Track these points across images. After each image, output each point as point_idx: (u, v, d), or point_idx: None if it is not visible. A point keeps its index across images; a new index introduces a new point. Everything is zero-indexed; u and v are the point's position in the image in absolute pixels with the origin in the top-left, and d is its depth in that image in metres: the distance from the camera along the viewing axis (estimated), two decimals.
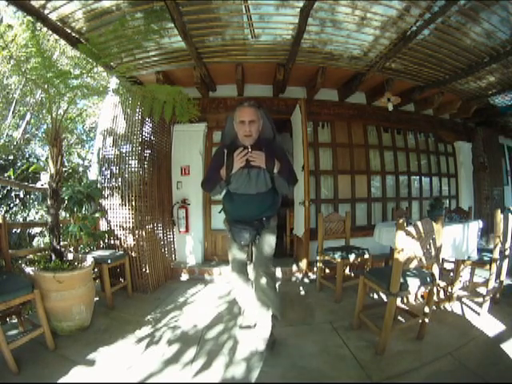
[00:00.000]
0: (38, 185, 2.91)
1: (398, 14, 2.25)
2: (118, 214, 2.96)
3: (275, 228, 1.83)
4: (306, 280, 3.15)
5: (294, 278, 3.24)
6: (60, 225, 2.19)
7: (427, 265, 1.84)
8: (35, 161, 4.99)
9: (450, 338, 1.82)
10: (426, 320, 1.81)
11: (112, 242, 2.98)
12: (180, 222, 3.55)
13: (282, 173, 1.62)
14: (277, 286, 1.79)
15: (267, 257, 1.76)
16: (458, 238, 2.31)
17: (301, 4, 2.11)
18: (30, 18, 2.05)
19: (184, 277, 3.37)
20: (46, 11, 2.12)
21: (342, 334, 1.94)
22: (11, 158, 4.52)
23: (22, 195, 4.17)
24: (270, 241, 1.78)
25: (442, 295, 2.37)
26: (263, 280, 1.70)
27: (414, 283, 1.73)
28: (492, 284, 2.15)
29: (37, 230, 4.27)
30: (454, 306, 2.28)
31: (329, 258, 2.68)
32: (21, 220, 4.38)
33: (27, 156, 5.07)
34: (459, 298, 2.34)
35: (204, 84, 3.45)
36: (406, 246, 1.68)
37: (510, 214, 2.26)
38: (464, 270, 2.39)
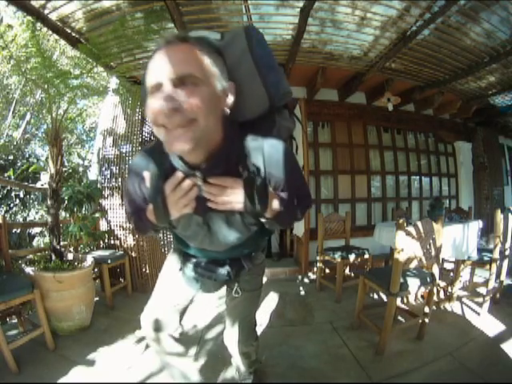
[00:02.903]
0: (38, 185, 2.91)
1: (398, 14, 2.25)
2: (117, 213, 2.96)
3: (263, 270, 1.13)
4: (306, 280, 3.15)
5: (293, 278, 3.24)
6: (60, 225, 2.19)
7: (427, 265, 1.83)
8: (35, 161, 4.99)
9: (450, 337, 1.82)
10: (426, 320, 1.81)
11: (112, 242, 2.97)
12: None
13: (286, 214, 0.76)
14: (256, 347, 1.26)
15: (247, 325, 1.15)
16: (457, 238, 2.31)
17: (301, 4, 2.11)
18: (29, 17, 2.04)
19: None
20: (46, 11, 2.12)
21: (342, 334, 1.94)
22: (11, 157, 4.52)
23: (21, 195, 4.17)
24: (252, 297, 1.13)
25: (442, 295, 2.37)
26: (237, 360, 1.22)
27: (414, 283, 1.73)
28: (492, 284, 2.15)
29: (37, 230, 4.27)
30: (454, 306, 2.27)
31: (329, 258, 2.68)
32: (21, 220, 4.38)
33: (27, 156, 5.08)
34: (459, 298, 2.34)
35: None
36: (406, 246, 1.68)
37: (510, 214, 2.26)
38: (464, 269, 2.39)
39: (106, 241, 3.00)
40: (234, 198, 0.66)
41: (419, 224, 1.74)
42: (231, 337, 1.18)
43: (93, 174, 3.69)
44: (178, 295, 1.04)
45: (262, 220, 0.75)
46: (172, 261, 1.06)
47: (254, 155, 0.69)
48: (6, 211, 4.18)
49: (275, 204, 0.72)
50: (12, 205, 4.25)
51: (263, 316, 2.24)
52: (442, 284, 2.39)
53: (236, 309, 1.14)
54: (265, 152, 0.70)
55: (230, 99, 0.65)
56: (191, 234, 0.85)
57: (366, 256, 2.66)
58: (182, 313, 1.09)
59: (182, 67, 0.55)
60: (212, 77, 0.59)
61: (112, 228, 2.97)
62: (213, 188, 0.65)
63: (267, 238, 1.05)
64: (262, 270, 1.13)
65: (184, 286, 1.00)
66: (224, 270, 0.93)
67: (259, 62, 0.70)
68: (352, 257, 2.58)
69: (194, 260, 0.96)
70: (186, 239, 0.91)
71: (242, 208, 0.68)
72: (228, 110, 0.65)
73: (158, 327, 1.02)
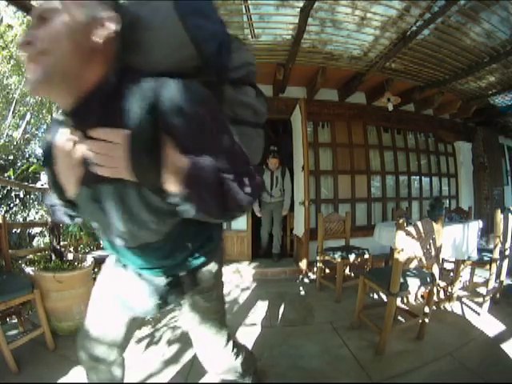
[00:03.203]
0: (38, 185, 2.90)
1: (398, 14, 2.25)
2: None
3: (220, 291, 0.90)
4: (306, 280, 3.15)
5: (293, 278, 3.24)
6: (60, 225, 2.19)
7: (427, 265, 1.83)
8: (35, 161, 4.98)
9: (450, 337, 1.82)
10: (426, 320, 1.81)
11: None
12: None
13: (203, 192, 0.52)
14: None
15: (222, 351, 0.96)
16: (457, 238, 2.31)
17: (301, 4, 2.11)
18: (29, 18, 2.04)
19: None
20: None
21: (342, 334, 1.94)
22: (11, 157, 4.53)
23: (21, 195, 4.18)
24: (218, 323, 0.91)
25: (442, 295, 2.37)
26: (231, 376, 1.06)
27: (414, 283, 1.73)
28: (492, 284, 2.15)
29: (37, 230, 4.27)
30: (454, 306, 2.28)
31: (329, 258, 2.68)
32: (21, 220, 4.38)
33: (27, 156, 5.08)
34: (459, 298, 2.34)
35: None
36: (406, 245, 1.68)
37: (510, 214, 2.26)
38: (464, 269, 2.39)
39: None
40: (116, 156, 0.47)
41: (419, 224, 1.74)
42: (211, 366, 1.00)
43: None
44: (111, 321, 0.84)
45: (172, 200, 0.51)
46: (104, 270, 0.85)
47: (148, 100, 0.51)
48: (6, 211, 4.19)
49: (179, 171, 0.49)
50: (12, 205, 4.25)
51: (263, 316, 2.24)
52: (442, 284, 2.39)
53: (199, 339, 0.93)
54: (161, 94, 0.51)
55: (107, 30, 0.53)
56: (89, 217, 0.69)
57: (366, 256, 2.66)
58: (124, 340, 0.90)
59: (43, 7, 0.52)
60: (72, 7, 0.51)
61: None
62: (94, 143, 0.48)
63: (214, 242, 0.76)
64: (217, 292, 0.87)
65: (115, 306, 0.79)
66: (154, 287, 0.70)
67: (179, 4, 0.57)
68: (352, 257, 2.58)
69: (123, 269, 0.74)
70: (93, 226, 0.72)
71: (129, 173, 0.48)
72: (101, 41, 0.52)
73: (93, 357, 0.88)
